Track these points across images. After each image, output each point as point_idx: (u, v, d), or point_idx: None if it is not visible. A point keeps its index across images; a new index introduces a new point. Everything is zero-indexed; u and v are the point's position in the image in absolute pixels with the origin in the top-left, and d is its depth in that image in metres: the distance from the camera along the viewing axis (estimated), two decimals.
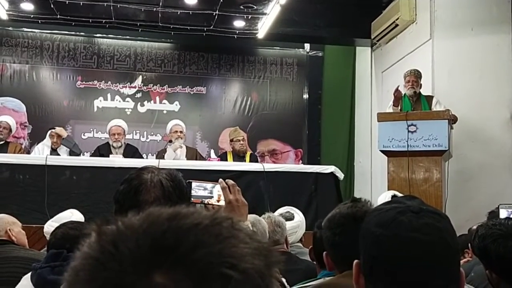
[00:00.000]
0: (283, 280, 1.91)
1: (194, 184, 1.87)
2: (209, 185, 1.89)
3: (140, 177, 1.65)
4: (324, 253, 1.84)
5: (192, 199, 1.85)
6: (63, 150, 6.72)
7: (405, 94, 6.13)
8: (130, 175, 1.68)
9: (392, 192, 4.33)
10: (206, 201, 1.87)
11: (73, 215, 3.76)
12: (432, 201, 5.33)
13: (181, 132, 6.88)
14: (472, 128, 6.30)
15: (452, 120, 5.75)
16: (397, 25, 7.24)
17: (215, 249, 0.54)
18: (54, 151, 6.59)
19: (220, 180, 1.78)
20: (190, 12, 7.48)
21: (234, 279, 0.52)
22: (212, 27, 7.70)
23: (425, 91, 6.19)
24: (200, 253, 0.53)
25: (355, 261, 1.19)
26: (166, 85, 9.05)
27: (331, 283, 1.74)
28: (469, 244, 3.52)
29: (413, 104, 6.06)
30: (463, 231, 3.89)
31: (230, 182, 1.77)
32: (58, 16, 7.40)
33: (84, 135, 8.68)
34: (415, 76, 6.10)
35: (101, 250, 0.54)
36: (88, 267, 0.54)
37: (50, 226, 3.46)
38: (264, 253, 0.57)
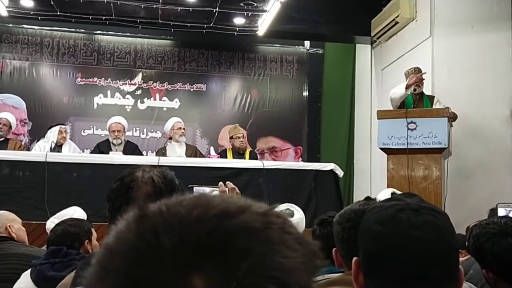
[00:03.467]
0: None
1: (195, 189, 1.87)
2: (207, 191, 1.89)
3: (132, 175, 1.67)
4: (334, 249, 1.85)
5: None
6: (67, 146, 6.74)
7: None
8: (122, 173, 1.70)
9: (391, 190, 4.33)
10: None
11: (75, 212, 3.76)
12: (432, 198, 5.33)
13: (184, 129, 6.91)
14: (471, 125, 6.30)
15: (452, 118, 5.75)
16: (397, 22, 7.24)
17: (262, 259, 0.50)
18: (59, 147, 6.60)
19: (220, 183, 1.78)
20: (190, 9, 7.48)
21: None
22: (212, 24, 7.70)
23: (425, 88, 6.18)
24: (246, 262, 0.49)
25: (354, 258, 1.20)
26: (166, 82, 9.05)
27: (342, 279, 1.75)
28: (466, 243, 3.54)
29: (416, 102, 6.06)
30: (463, 228, 3.89)
31: (230, 185, 1.76)
32: (58, 13, 7.39)
33: (84, 132, 8.68)
34: (421, 75, 6.06)
35: (140, 236, 0.51)
36: (123, 253, 0.50)
37: (52, 222, 3.46)
38: (311, 260, 0.54)
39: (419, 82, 5.96)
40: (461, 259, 3.08)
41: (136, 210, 0.54)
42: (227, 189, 1.75)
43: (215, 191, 1.84)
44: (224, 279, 0.48)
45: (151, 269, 0.49)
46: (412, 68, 6.16)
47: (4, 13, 7.46)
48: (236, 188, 1.76)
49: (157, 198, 1.69)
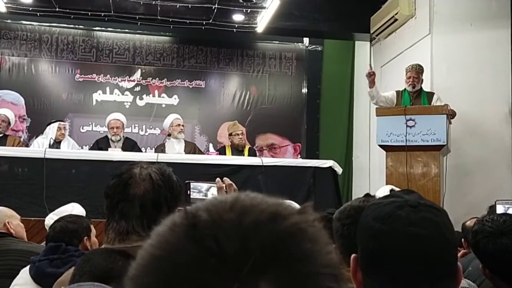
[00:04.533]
0: None
1: (192, 185, 1.87)
2: (204, 187, 1.88)
3: (129, 171, 1.67)
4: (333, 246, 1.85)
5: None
6: (66, 143, 6.74)
7: (405, 89, 6.14)
8: (120, 170, 1.70)
9: (390, 187, 4.34)
10: None
11: (74, 208, 3.76)
12: (430, 195, 5.34)
13: (183, 126, 6.91)
14: (470, 122, 6.30)
15: (451, 115, 5.75)
16: (396, 19, 7.23)
17: (316, 257, 0.52)
18: (57, 143, 6.60)
19: (217, 179, 1.77)
20: (189, 5, 7.47)
21: None
22: (211, 20, 7.69)
23: (424, 86, 6.19)
24: (305, 262, 0.51)
25: (353, 255, 1.20)
26: (165, 79, 9.04)
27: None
28: (462, 240, 3.55)
29: (413, 99, 6.07)
30: (461, 225, 3.90)
31: (227, 181, 1.76)
32: (57, 9, 7.37)
33: (82, 128, 8.67)
34: (416, 72, 6.09)
35: (201, 246, 0.50)
36: (185, 264, 0.50)
37: (50, 219, 3.46)
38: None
39: (371, 81, 6.17)
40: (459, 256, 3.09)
41: (184, 218, 0.54)
42: (224, 185, 1.75)
43: (213, 187, 1.84)
44: (290, 281, 0.50)
45: (218, 278, 0.49)
46: (409, 66, 6.18)
47: (3, 9, 7.44)
48: (234, 184, 1.76)
49: (155, 195, 1.70)
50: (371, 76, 6.14)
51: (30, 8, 7.45)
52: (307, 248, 0.52)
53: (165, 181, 1.67)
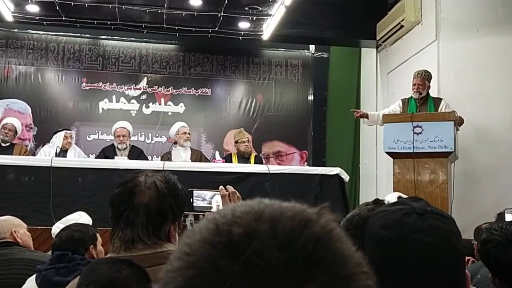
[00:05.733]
0: None
1: (195, 193, 1.86)
2: (208, 195, 1.87)
3: (134, 180, 1.67)
4: None
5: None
6: (72, 152, 6.76)
7: (411, 96, 6.12)
8: (125, 178, 1.70)
9: (397, 194, 4.31)
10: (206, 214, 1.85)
11: (80, 217, 3.76)
12: (438, 203, 5.30)
13: (189, 134, 6.91)
14: (478, 129, 6.27)
15: (459, 122, 5.72)
16: (402, 26, 7.22)
17: (351, 258, 0.53)
18: (64, 152, 6.61)
19: (221, 187, 1.76)
20: (195, 13, 7.49)
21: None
22: (217, 28, 7.71)
23: (431, 92, 6.17)
24: (344, 263, 0.52)
25: None
26: (171, 87, 9.06)
27: None
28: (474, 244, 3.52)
29: (419, 106, 6.05)
30: (469, 233, 3.87)
31: (231, 189, 1.75)
32: (63, 18, 7.42)
33: (89, 137, 8.69)
34: (421, 79, 6.06)
35: (240, 261, 0.50)
36: (224, 283, 0.49)
37: (57, 228, 3.47)
38: None
39: (362, 116, 6.47)
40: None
41: (216, 234, 0.52)
42: (227, 193, 1.74)
43: (216, 195, 1.83)
44: (334, 284, 0.51)
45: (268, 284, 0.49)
46: (416, 72, 6.16)
47: (10, 19, 7.49)
48: (237, 192, 1.75)
49: (160, 203, 1.69)
50: (358, 115, 6.48)
51: (37, 17, 7.49)
52: (341, 248, 0.53)
53: (170, 189, 1.67)
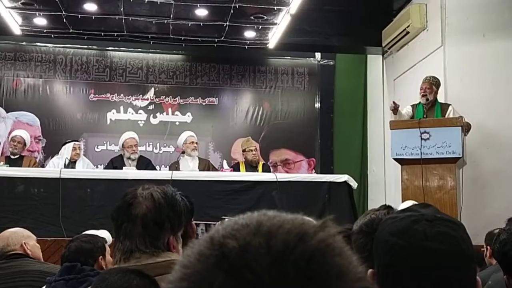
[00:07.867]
0: None
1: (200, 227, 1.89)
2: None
3: (133, 192, 1.71)
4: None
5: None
6: (81, 163, 6.78)
7: (419, 102, 6.10)
8: (126, 192, 1.73)
9: (411, 202, 4.30)
10: None
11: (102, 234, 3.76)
12: (447, 209, 5.28)
13: (197, 143, 6.92)
14: (486, 134, 6.24)
15: (466, 128, 5.69)
16: (408, 32, 7.22)
17: (349, 273, 0.52)
18: (73, 163, 6.64)
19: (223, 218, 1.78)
20: (201, 23, 7.52)
21: None
22: (223, 38, 7.74)
23: (438, 98, 6.15)
24: (340, 279, 0.51)
25: (370, 270, 1.18)
26: (178, 97, 9.08)
27: None
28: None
29: (426, 111, 6.03)
30: (479, 239, 3.85)
31: None
32: (71, 30, 7.47)
33: (97, 147, 8.72)
34: (429, 84, 6.04)
35: (232, 275, 0.49)
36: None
37: None
38: None
39: (395, 110, 6.01)
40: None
41: (211, 248, 0.52)
42: None
43: None
44: None
45: None
46: (424, 78, 6.14)
47: (18, 32, 7.55)
48: None
49: (157, 213, 1.71)
50: (395, 108, 6.03)
51: (45, 30, 7.55)
52: (338, 263, 0.51)
53: (167, 199, 1.69)
